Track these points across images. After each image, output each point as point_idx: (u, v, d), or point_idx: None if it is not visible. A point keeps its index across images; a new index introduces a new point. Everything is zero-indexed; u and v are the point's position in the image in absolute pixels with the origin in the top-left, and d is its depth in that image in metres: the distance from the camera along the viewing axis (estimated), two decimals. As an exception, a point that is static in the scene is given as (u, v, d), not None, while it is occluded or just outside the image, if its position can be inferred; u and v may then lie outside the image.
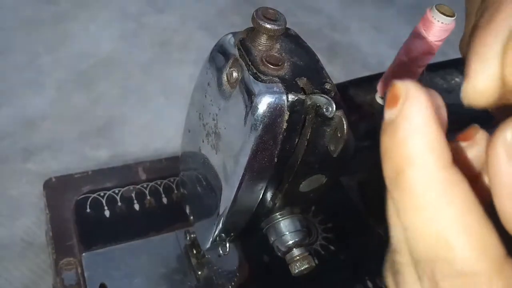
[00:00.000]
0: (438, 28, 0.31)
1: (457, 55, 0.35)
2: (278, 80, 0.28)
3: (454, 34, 0.32)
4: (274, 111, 0.27)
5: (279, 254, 0.36)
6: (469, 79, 0.19)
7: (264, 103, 0.27)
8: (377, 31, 1.15)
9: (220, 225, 0.34)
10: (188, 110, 0.37)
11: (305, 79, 0.29)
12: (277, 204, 0.34)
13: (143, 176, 0.56)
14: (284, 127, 0.28)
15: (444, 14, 0.30)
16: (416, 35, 0.32)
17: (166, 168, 0.57)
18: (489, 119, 0.22)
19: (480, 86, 0.19)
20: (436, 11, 0.30)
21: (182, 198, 0.43)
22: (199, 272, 0.48)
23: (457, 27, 0.32)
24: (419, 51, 0.32)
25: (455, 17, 0.31)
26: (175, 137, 0.78)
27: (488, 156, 0.17)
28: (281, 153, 0.29)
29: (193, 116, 0.36)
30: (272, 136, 0.28)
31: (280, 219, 0.35)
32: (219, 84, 0.31)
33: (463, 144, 0.21)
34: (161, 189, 0.55)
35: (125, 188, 0.54)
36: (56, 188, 0.53)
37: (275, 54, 0.29)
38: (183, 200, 0.43)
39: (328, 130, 0.29)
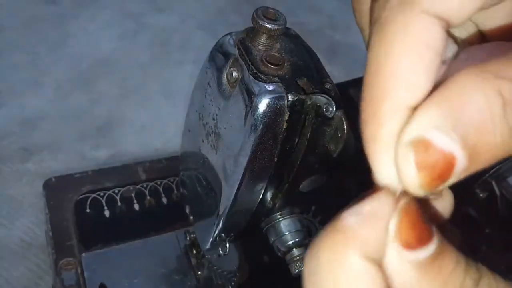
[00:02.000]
0: None
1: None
2: (278, 80, 0.28)
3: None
4: (274, 111, 0.27)
5: (279, 254, 0.36)
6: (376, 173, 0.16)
7: (264, 103, 0.27)
8: (377, 31, 1.15)
9: (220, 225, 0.34)
10: (188, 110, 0.37)
11: (305, 79, 0.29)
12: (277, 204, 0.34)
13: (143, 176, 0.56)
14: (284, 127, 0.28)
15: None
16: None
17: (166, 168, 0.57)
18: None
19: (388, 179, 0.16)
20: None
21: (182, 198, 0.43)
22: (199, 272, 0.47)
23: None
24: None
25: None
26: (175, 137, 0.78)
27: None
28: (281, 153, 0.29)
29: (193, 116, 0.36)
30: (272, 136, 0.28)
31: (280, 219, 0.35)
32: (219, 84, 0.31)
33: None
34: (161, 189, 0.55)
35: (125, 188, 0.54)
36: (56, 188, 0.53)
37: (275, 54, 0.29)
38: (183, 200, 0.43)
39: (328, 130, 0.29)
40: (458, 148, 0.14)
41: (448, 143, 0.14)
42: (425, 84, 0.15)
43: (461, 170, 0.14)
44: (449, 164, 0.14)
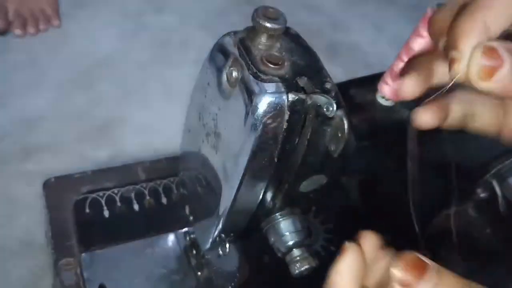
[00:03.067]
0: None
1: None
2: (278, 79, 0.28)
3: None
4: (274, 111, 0.27)
5: (279, 254, 0.35)
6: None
7: (264, 103, 0.27)
8: (377, 31, 1.15)
9: (220, 225, 0.34)
10: (188, 110, 0.37)
11: (305, 78, 0.28)
12: (277, 204, 0.34)
13: (143, 176, 0.56)
14: (284, 127, 0.28)
15: None
16: (417, 34, 0.32)
17: (166, 168, 0.57)
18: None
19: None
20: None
21: (182, 198, 0.43)
22: (199, 272, 0.47)
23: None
24: (420, 50, 0.32)
25: None
26: (175, 137, 0.78)
27: None
28: (281, 153, 0.29)
29: (193, 116, 0.36)
30: (272, 136, 0.28)
31: (280, 219, 0.35)
32: (219, 84, 0.31)
33: None
34: (160, 189, 0.55)
35: (124, 188, 0.54)
36: (55, 188, 0.53)
37: (275, 53, 0.29)
38: (183, 200, 0.43)
39: (329, 130, 0.29)
40: (507, 56, 0.22)
41: (504, 53, 0.22)
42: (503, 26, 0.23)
43: (503, 74, 0.21)
44: (498, 65, 0.22)
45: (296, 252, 0.34)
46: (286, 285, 0.47)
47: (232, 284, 0.47)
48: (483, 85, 0.22)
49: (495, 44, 0.22)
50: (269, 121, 0.27)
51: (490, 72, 0.22)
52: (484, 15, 0.23)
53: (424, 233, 0.32)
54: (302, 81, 0.28)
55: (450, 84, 0.24)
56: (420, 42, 0.32)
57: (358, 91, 0.39)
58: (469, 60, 0.22)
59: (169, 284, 0.47)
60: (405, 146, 0.28)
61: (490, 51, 0.22)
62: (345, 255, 0.24)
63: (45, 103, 0.83)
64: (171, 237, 0.50)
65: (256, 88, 0.27)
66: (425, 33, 0.31)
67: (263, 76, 0.27)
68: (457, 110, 0.26)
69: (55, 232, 0.49)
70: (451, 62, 0.23)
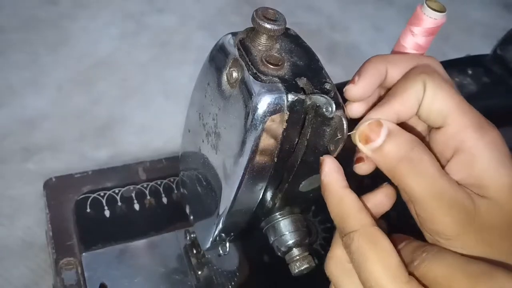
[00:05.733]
0: (428, 23, 0.31)
1: (457, 55, 0.35)
2: (278, 80, 0.28)
3: (453, 34, 0.32)
4: (274, 111, 0.27)
5: (279, 254, 0.36)
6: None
7: (264, 103, 0.27)
8: (376, 31, 1.15)
9: (220, 225, 0.35)
10: (188, 110, 0.37)
11: (305, 79, 0.29)
12: (277, 204, 0.34)
13: (143, 176, 0.56)
14: (284, 127, 0.28)
15: (435, 10, 0.30)
16: (408, 31, 0.32)
17: (166, 168, 0.57)
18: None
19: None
20: (427, 6, 0.31)
21: (182, 198, 0.43)
22: (199, 272, 0.48)
23: (449, 23, 0.32)
24: (411, 47, 0.32)
25: (445, 12, 0.31)
26: (175, 137, 0.78)
27: None
28: (281, 153, 0.29)
29: (193, 116, 0.36)
30: (272, 136, 0.28)
31: (280, 219, 0.35)
32: (219, 84, 0.31)
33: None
34: (161, 189, 0.55)
35: (125, 188, 0.54)
36: (56, 188, 0.53)
37: (275, 54, 0.29)
38: (183, 200, 0.43)
39: (328, 130, 0.29)
40: (384, 136, 0.27)
41: (383, 132, 0.27)
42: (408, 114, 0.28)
43: (374, 146, 0.27)
44: (373, 138, 0.27)
45: (295, 251, 0.35)
46: (286, 285, 0.47)
47: (232, 283, 0.47)
48: (360, 146, 0.27)
49: (383, 121, 0.26)
50: (269, 121, 0.28)
51: (367, 140, 0.27)
52: (396, 103, 0.28)
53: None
54: (302, 82, 0.28)
55: (345, 136, 0.28)
56: (411, 39, 0.32)
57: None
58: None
59: (169, 283, 0.47)
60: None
61: (376, 125, 0.26)
62: (324, 163, 0.28)
63: (45, 103, 0.84)
64: (171, 237, 0.51)
65: (256, 89, 0.27)
66: (414, 29, 0.31)
67: (263, 77, 0.28)
68: None
69: (56, 232, 0.49)
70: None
